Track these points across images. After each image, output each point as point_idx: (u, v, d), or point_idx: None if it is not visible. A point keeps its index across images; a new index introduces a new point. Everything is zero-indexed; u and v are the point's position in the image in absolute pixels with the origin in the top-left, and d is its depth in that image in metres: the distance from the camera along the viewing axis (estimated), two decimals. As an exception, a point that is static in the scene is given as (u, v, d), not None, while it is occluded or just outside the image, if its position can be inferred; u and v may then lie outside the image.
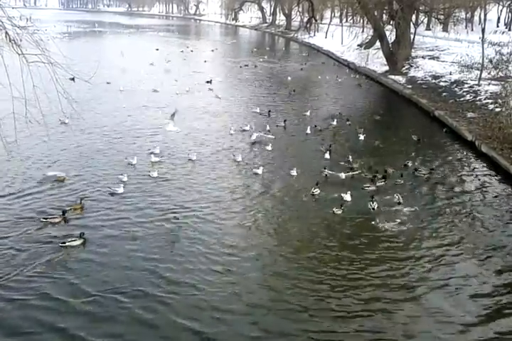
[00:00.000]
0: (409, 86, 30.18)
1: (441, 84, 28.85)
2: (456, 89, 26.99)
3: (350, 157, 16.57)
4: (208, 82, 30.67)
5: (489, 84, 25.90)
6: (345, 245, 11.13)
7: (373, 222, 12.19)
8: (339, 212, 12.48)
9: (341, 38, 51.57)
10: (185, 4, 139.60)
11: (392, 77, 33.11)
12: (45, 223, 11.53)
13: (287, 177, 15.05)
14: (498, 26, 52.13)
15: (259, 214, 12.59)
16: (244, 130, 20.00)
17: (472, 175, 16.15)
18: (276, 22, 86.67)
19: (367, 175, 15.12)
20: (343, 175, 14.90)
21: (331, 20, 64.71)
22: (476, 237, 11.68)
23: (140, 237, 11.12)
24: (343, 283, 9.64)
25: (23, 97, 8.88)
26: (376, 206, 12.92)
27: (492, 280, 9.95)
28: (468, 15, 50.06)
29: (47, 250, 10.41)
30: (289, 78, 33.89)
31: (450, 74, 30.24)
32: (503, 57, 28.39)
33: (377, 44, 37.76)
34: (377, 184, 14.36)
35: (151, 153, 16.41)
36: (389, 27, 35.80)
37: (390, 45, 34.83)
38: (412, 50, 38.35)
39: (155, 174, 14.63)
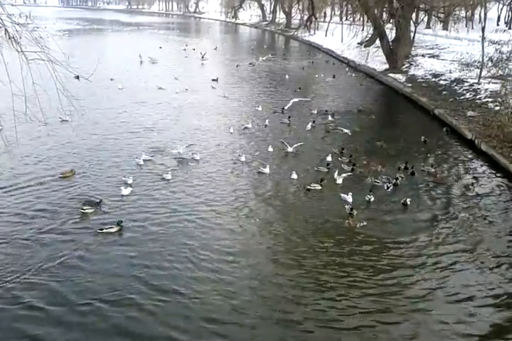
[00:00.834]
0: (409, 84, 30.16)
1: (441, 82, 28.83)
2: (456, 87, 26.98)
3: (352, 156, 16.65)
4: (214, 80, 30.80)
5: (489, 82, 25.88)
6: (352, 252, 10.77)
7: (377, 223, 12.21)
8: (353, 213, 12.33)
9: (341, 36, 51.55)
10: (185, 2, 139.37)
11: (392, 75, 33.09)
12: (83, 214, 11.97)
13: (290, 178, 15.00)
14: (498, 25, 52.06)
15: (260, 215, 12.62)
16: (246, 128, 20.13)
17: (471, 174, 16.14)
18: (276, 20, 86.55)
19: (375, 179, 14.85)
20: (339, 178, 14.66)
21: (331, 19, 64.61)
22: (475, 237, 11.68)
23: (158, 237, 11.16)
24: (345, 292, 9.31)
25: (23, 95, 8.88)
26: (372, 199, 13.11)
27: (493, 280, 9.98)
28: (468, 13, 50.00)
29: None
30: (287, 76, 33.91)
31: (450, 72, 30.21)
32: (503, 56, 28.35)
33: (378, 42, 37.74)
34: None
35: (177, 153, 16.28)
36: (389, 25, 35.74)
37: (390, 44, 34.80)
38: (412, 49, 38.29)
39: (169, 176, 14.33)
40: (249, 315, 8.58)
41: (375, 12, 35.81)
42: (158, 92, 27.05)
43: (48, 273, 9.57)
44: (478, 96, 24.35)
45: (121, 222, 11.34)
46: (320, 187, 13.90)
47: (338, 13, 69.96)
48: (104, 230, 11.09)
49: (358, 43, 44.26)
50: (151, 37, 64.12)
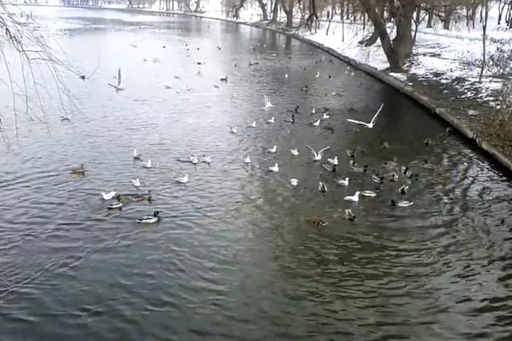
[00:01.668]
0: (410, 83, 30.13)
1: (442, 81, 28.81)
2: (457, 86, 26.96)
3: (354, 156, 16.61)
4: (223, 79, 30.90)
5: (490, 81, 25.85)
6: (351, 260, 10.48)
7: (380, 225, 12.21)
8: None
9: (342, 35, 51.51)
10: (185, 1, 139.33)
11: (393, 74, 33.06)
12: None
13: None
14: (499, 23, 52.06)
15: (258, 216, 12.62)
16: (250, 126, 20.27)
17: (472, 172, 16.13)
18: (277, 19, 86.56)
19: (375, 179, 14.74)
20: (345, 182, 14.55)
21: (332, 18, 64.59)
22: (475, 236, 11.70)
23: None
24: (345, 304, 9.03)
25: (24, 94, 8.88)
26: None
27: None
28: (469, 12, 49.97)
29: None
30: (286, 75, 33.89)
31: (451, 71, 30.18)
32: (504, 55, 28.37)
33: (378, 41, 37.70)
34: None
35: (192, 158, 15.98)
36: (390, 24, 35.72)
37: (391, 43, 34.77)
38: (413, 48, 38.26)
39: (185, 179, 14.14)
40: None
41: (376, 11, 35.78)
42: (165, 91, 26.95)
43: (94, 258, 10.21)
44: (479, 95, 24.33)
45: (158, 212, 11.84)
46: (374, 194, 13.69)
47: (339, 12, 69.98)
48: (143, 220, 11.58)
49: (359, 42, 44.20)
50: (153, 36, 64.06)
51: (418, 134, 19.93)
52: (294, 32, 63.75)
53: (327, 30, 60.88)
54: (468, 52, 33.03)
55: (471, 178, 15.56)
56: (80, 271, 9.70)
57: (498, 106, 21.37)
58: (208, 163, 15.81)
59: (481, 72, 27.01)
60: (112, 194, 12.81)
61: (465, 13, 47.80)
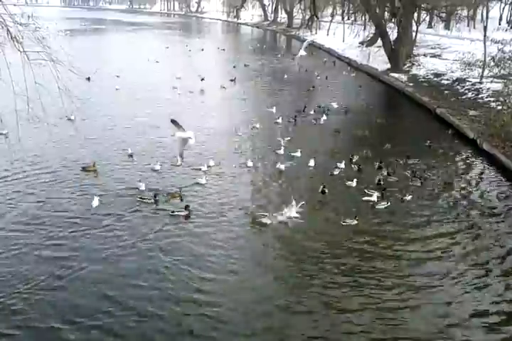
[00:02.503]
0: (411, 84, 30.13)
1: (443, 82, 28.81)
2: (458, 87, 26.95)
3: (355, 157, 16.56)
4: (232, 80, 30.97)
5: (491, 81, 25.84)
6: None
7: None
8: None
9: (343, 35, 51.48)
10: (186, 2, 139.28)
11: (394, 74, 33.05)
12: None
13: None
14: (500, 24, 51.94)
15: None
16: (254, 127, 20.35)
17: (474, 173, 16.13)
18: (278, 20, 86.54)
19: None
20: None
21: (332, 18, 64.55)
22: (479, 236, 11.70)
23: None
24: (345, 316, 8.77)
25: (24, 94, 8.87)
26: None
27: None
28: (470, 12, 49.91)
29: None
30: (285, 76, 33.89)
31: (452, 72, 30.18)
32: (505, 55, 28.33)
33: (379, 42, 37.69)
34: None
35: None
36: (391, 25, 35.73)
37: (392, 43, 34.77)
38: (414, 48, 38.26)
39: (203, 181, 14.10)
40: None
41: (377, 11, 35.77)
42: (172, 92, 26.99)
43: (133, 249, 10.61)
44: (480, 96, 24.33)
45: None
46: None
47: (339, 12, 69.93)
48: (175, 213, 12.16)
49: (360, 43, 44.20)
50: (155, 37, 64.04)
51: (420, 135, 19.90)
52: (294, 33, 63.73)
53: (328, 31, 60.86)
54: (469, 52, 32.98)
55: (471, 179, 15.55)
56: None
57: (499, 107, 21.37)
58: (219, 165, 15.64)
59: (482, 72, 27.01)
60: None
61: (466, 14, 47.76)
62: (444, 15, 42.27)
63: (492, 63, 28.22)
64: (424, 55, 37.28)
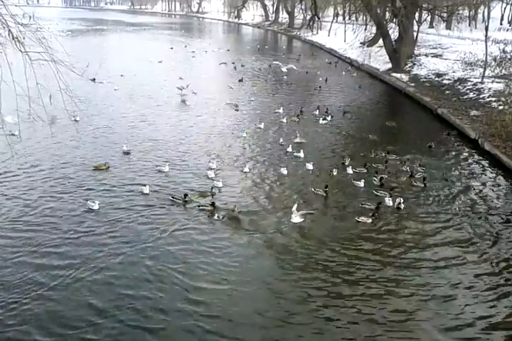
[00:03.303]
0: (413, 84, 30.11)
1: (445, 82, 28.78)
2: (459, 87, 26.93)
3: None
4: (240, 80, 31.15)
5: (492, 81, 25.84)
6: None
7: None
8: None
9: (344, 35, 51.48)
10: (187, 2, 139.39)
11: (395, 74, 33.04)
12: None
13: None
14: (501, 24, 51.98)
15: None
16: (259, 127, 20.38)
17: (474, 173, 16.10)
18: (279, 20, 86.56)
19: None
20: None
21: (333, 18, 64.56)
22: (480, 237, 11.69)
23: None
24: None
25: (26, 95, 8.87)
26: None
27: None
28: (471, 12, 49.91)
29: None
30: (287, 77, 33.89)
31: (453, 72, 30.16)
32: (507, 55, 28.35)
33: (380, 42, 37.68)
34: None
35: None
36: (392, 25, 35.70)
37: (393, 43, 34.76)
38: (415, 48, 38.23)
39: (220, 184, 13.92)
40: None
41: (378, 11, 35.75)
42: (179, 93, 26.87)
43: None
44: (481, 96, 24.30)
45: (187, 195, 12.90)
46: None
47: (341, 12, 69.90)
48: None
49: (361, 43, 44.18)
50: (157, 37, 63.91)
51: (420, 135, 19.88)
52: (295, 33, 63.71)
53: (329, 31, 60.87)
54: (471, 52, 33.03)
55: (472, 179, 15.51)
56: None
57: (501, 107, 21.38)
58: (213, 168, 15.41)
59: (483, 72, 27.00)
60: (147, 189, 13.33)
61: (467, 14, 47.76)
62: (445, 15, 42.18)
63: (493, 63, 28.26)
64: (425, 55, 37.25)
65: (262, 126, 20.37)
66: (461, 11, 41.99)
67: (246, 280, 9.59)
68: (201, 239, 11.08)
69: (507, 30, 42.98)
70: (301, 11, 65.58)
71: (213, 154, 16.88)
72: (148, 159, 16.26)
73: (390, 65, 35.46)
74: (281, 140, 18.39)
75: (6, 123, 11.93)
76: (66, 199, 13.02)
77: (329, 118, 22.07)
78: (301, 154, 16.74)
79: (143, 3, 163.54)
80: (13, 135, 14.33)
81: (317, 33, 61.87)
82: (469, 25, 49.98)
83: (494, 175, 15.89)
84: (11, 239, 10.90)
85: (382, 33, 35.56)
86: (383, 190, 13.92)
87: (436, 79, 29.90)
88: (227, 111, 23.54)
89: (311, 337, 8.17)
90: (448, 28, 47.51)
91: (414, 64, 34.89)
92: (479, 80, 26.57)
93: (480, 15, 53.66)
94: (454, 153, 18.22)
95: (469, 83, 26.84)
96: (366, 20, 46.77)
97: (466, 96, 25.04)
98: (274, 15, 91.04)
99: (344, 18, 59.98)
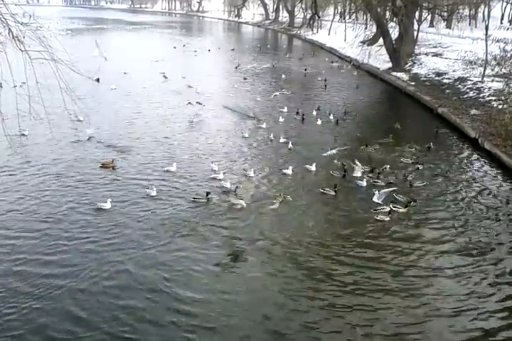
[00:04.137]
0: (413, 83, 30.10)
1: (445, 81, 28.77)
2: (459, 86, 26.92)
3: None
4: (245, 79, 31.29)
5: (493, 80, 25.83)
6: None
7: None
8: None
9: (344, 34, 51.45)
10: (188, 1, 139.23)
11: (396, 73, 33.02)
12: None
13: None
14: (501, 23, 51.96)
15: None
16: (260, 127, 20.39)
17: (475, 173, 16.10)
18: (279, 19, 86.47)
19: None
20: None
21: (334, 17, 64.52)
22: (481, 237, 11.69)
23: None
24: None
25: (27, 94, 8.90)
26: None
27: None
28: (471, 11, 49.89)
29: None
30: (287, 76, 33.87)
31: (453, 71, 30.14)
32: (507, 54, 28.31)
33: (381, 41, 37.64)
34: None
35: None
36: (392, 24, 35.69)
37: (393, 42, 34.74)
38: (416, 47, 38.20)
39: (228, 184, 13.86)
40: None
41: (378, 10, 35.72)
42: (187, 90, 26.92)
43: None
44: (481, 95, 24.30)
45: (209, 193, 12.98)
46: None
47: (341, 11, 69.84)
48: (196, 199, 12.87)
49: (361, 42, 44.08)
50: (158, 36, 63.89)
51: (420, 135, 19.85)
52: (296, 32, 63.60)
53: (329, 30, 60.84)
54: (471, 51, 33.00)
55: (473, 179, 15.49)
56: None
57: (501, 106, 21.37)
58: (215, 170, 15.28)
59: (484, 71, 26.99)
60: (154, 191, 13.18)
61: (467, 13, 47.73)
62: (445, 14, 42.21)
63: (493, 62, 28.22)
64: (425, 54, 37.22)
65: (263, 125, 20.38)
66: (461, 10, 42.02)
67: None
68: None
69: (507, 29, 42.86)
70: (301, 10, 65.62)
71: (217, 155, 16.89)
72: (154, 159, 16.26)
73: (390, 64, 35.44)
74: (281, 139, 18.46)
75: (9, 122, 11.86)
76: (72, 199, 13.07)
77: (331, 117, 22.09)
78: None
79: (143, 2, 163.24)
80: (24, 135, 14.34)
81: (317, 32, 61.86)
82: (469, 24, 49.98)
83: (494, 174, 15.88)
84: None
85: (382, 32, 35.54)
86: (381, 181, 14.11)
87: (437, 78, 29.89)
88: (229, 110, 23.53)
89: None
90: (448, 27, 47.50)
91: (415, 63, 34.87)
92: (479, 79, 26.56)
93: (480, 14, 53.64)
94: (453, 153, 18.21)
95: (469, 82, 26.84)
96: (367, 19, 46.77)
97: (466, 96, 25.03)
98: (274, 14, 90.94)
99: (344, 17, 59.96)
